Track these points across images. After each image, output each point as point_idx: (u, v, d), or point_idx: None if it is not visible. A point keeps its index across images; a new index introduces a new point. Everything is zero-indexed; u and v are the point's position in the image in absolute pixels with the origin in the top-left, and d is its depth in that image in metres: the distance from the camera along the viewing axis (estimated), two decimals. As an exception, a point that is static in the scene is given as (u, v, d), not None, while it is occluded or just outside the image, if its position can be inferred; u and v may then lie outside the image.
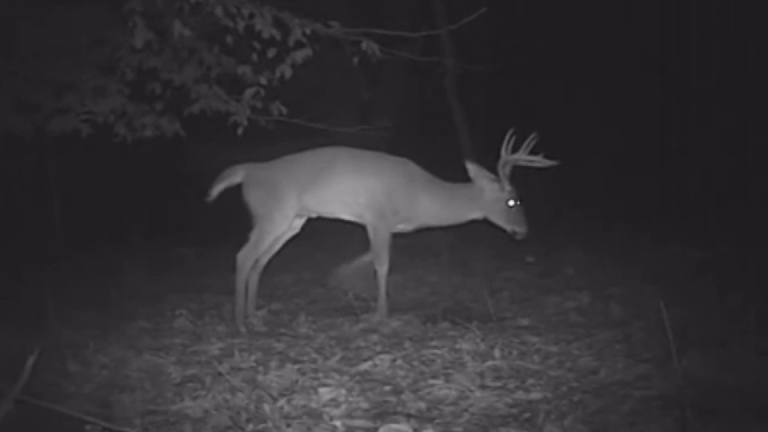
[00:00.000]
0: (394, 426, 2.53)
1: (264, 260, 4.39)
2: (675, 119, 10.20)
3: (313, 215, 4.38)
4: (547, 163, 4.08)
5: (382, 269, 4.22)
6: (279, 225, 4.19)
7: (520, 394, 2.85)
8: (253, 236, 4.19)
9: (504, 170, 4.12)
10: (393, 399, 2.84)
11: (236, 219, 4.36)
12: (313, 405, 2.78)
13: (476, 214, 4.26)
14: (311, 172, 4.20)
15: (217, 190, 4.30)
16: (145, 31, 3.98)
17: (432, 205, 4.22)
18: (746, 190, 8.49)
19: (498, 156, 4.12)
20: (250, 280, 4.33)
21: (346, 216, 4.31)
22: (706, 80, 9.71)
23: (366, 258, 4.40)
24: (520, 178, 4.18)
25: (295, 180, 4.18)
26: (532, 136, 4.05)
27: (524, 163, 4.11)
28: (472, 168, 4.17)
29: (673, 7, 9.53)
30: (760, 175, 8.38)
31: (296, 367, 3.25)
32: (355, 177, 4.22)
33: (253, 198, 4.23)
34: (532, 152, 4.07)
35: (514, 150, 4.07)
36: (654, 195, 9.38)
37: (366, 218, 4.22)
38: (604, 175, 10.39)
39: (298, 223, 4.45)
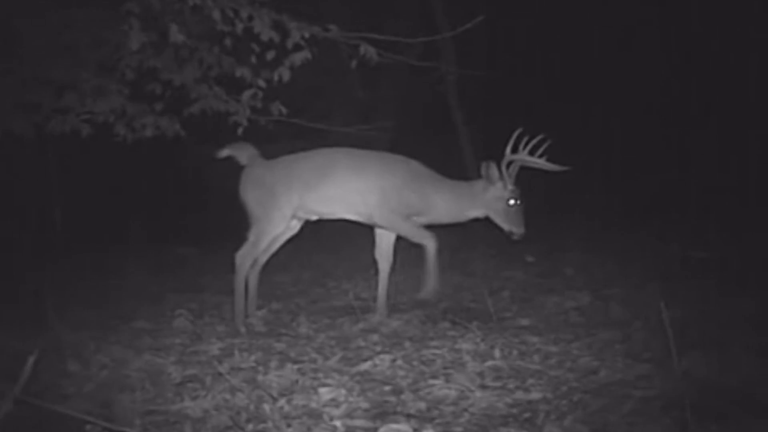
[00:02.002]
0: (394, 426, 2.52)
1: (263, 260, 4.39)
2: (675, 119, 10.21)
3: (313, 217, 4.36)
4: (552, 167, 4.07)
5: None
6: (277, 224, 4.17)
7: (520, 394, 2.85)
8: (251, 236, 4.18)
9: (507, 169, 4.11)
10: (393, 399, 2.84)
11: (236, 219, 4.36)
12: (313, 405, 2.77)
13: (478, 212, 4.26)
14: (315, 173, 4.17)
15: (224, 153, 4.32)
16: (142, 33, 3.98)
17: (437, 203, 4.22)
18: (746, 191, 8.50)
19: (501, 155, 4.11)
20: (250, 279, 4.33)
21: (351, 216, 4.29)
22: (706, 80, 9.71)
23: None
24: (521, 178, 4.18)
25: (297, 179, 4.16)
26: (538, 137, 4.03)
27: (530, 165, 4.10)
28: (483, 166, 4.16)
29: (674, 7, 9.54)
30: (761, 175, 8.38)
31: (296, 367, 3.25)
32: (360, 177, 4.18)
33: (250, 197, 4.21)
34: (540, 155, 4.05)
35: (517, 149, 4.06)
36: (654, 195, 9.38)
37: (376, 216, 4.18)
38: (604, 175, 10.39)
39: (297, 224, 4.44)
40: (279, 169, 4.23)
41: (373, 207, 4.15)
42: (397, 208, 4.14)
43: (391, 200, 4.14)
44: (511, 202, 4.13)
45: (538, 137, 4.04)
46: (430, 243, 4.15)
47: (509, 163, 4.10)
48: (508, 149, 4.08)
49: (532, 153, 4.05)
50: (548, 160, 4.06)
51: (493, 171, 4.12)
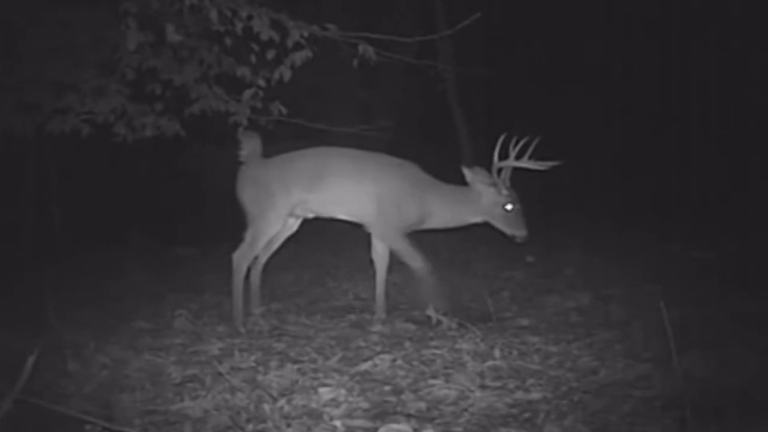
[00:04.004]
0: (394, 426, 2.53)
1: (264, 258, 4.38)
2: (675, 119, 10.21)
3: (310, 215, 4.35)
4: (542, 165, 4.06)
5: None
6: (273, 224, 4.16)
7: (520, 394, 2.85)
8: (248, 236, 4.16)
9: (499, 175, 4.10)
10: (393, 399, 2.84)
11: (235, 219, 4.36)
12: (313, 405, 2.77)
13: (476, 218, 4.23)
14: (311, 173, 4.15)
15: (239, 136, 4.36)
16: (139, 33, 3.99)
17: (435, 209, 4.19)
18: (747, 191, 8.50)
19: (490, 162, 4.10)
20: (252, 278, 4.33)
21: (347, 217, 4.28)
22: (706, 80, 9.71)
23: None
24: (520, 179, 4.17)
25: (293, 179, 4.14)
26: (524, 140, 4.01)
27: (520, 167, 4.10)
28: (468, 173, 4.14)
29: (674, 8, 9.55)
30: (761, 175, 8.38)
31: (296, 367, 3.25)
32: (357, 180, 4.17)
33: (247, 196, 4.19)
34: (529, 156, 4.04)
35: (507, 155, 4.05)
36: (654, 195, 9.39)
37: (367, 220, 4.19)
38: (604, 175, 10.40)
39: (295, 223, 4.43)
40: (275, 168, 4.20)
41: (365, 209, 4.14)
42: (389, 214, 4.12)
43: (383, 204, 4.12)
44: (509, 206, 4.10)
45: (524, 139, 4.02)
46: (418, 265, 4.12)
47: (499, 170, 4.09)
48: (496, 156, 4.07)
49: (519, 155, 4.03)
50: (537, 159, 4.04)
51: (479, 176, 4.10)
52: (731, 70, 9.40)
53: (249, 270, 4.29)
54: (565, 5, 9.77)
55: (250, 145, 4.29)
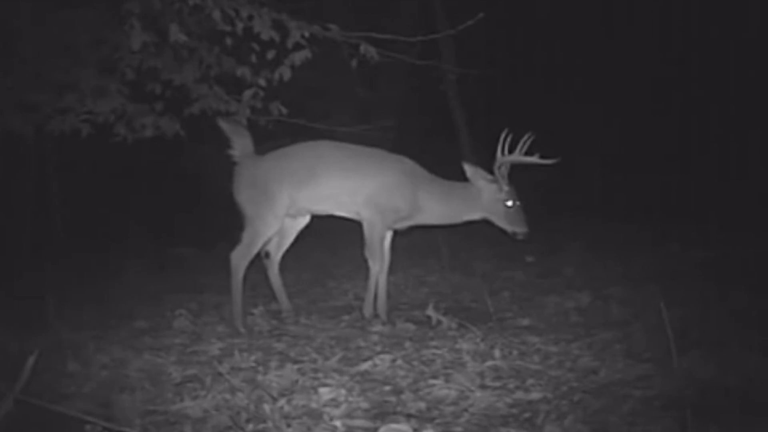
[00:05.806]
0: (394, 426, 2.53)
1: (278, 257, 4.41)
2: (675, 119, 10.22)
3: (305, 215, 4.35)
4: (544, 162, 4.06)
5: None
6: (271, 225, 4.14)
7: (520, 394, 2.85)
8: (245, 237, 4.13)
9: (501, 171, 4.10)
10: (393, 399, 2.84)
11: (235, 218, 4.35)
12: (313, 405, 2.78)
13: (475, 215, 4.23)
14: (305, 170, 4.11)
15: (222, 125, 4.28)
16: (142, 33, 3.99)
17: (431, 205, 4.19)
18: (747, 191, 8.50)
19: (494, 157, 4.10)
20: (272, 278, 4.38)
21: (341, 213, 4.27)
22: (706, 79, 9.71)
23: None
24: (520, 178, 4.17)
25: (288, 178, 4.11)
26: (526, 136, 4.02)
27: (522, 163, 4.10)
28: (469, 169, 4.15)
29: (675, 7, 9.55)
30: (761, 175, 8.38)
31: (296, 367, 3.25)
32: (353, 175, 4.15)
33: (244, 198, 4.14)
34: (528, 152, 4.04)
35: (510, 151, 4.06)
36: (654, 195, 9.38)
37: (363, 215, 4.17)
38: (604, 175, 10.40)
39: (303, 219, 4.44)
40: (271, 167, 4.15)
41: (361, 205, 4.14)
42: (384, 209, 4.12)
43: (380, 200, 4.11)
44: (509, 203, 4.11)
45: (525, 135, 4.02)
46: (375, 266, 4.19)
47: (500, 166, 4.09)
48: (499, 152, 4.07)
49: (521, 152, 4.04)
50: (540, 156, 4.05)
51: (480, 173, 4.11)
52: (731, 70, 9.40)
53: (266, 271, 4.40)
54: (566, 5, 9.77)
55: (240, 143, 4.21)
